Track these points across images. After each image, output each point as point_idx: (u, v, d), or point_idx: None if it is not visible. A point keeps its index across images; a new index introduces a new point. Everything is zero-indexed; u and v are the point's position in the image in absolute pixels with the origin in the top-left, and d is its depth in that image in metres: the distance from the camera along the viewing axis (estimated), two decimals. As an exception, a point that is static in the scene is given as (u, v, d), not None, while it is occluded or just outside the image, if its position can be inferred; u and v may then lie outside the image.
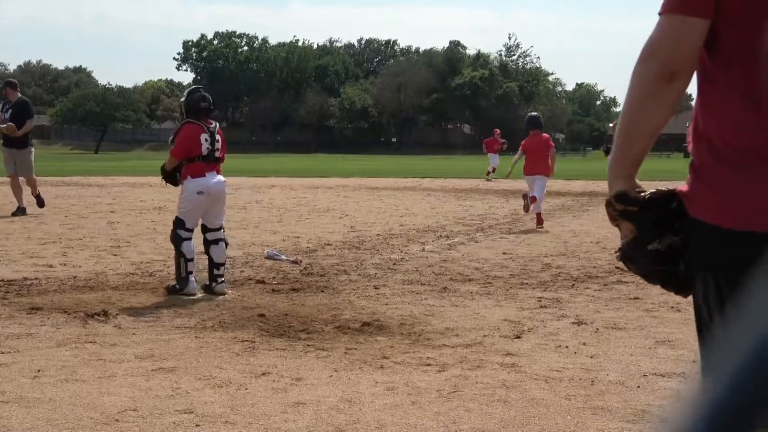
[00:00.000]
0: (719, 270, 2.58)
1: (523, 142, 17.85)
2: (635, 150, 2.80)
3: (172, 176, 9.75)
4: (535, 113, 19.71)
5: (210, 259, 9.50)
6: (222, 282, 9.44)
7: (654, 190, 2.77)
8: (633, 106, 2.75)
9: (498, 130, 39.46)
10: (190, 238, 9.46)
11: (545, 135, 17.95)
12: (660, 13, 2.71)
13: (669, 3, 2.68)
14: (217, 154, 9.67)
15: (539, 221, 16.76)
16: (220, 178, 9.66)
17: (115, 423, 5.10)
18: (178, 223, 9.49)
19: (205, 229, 9.66)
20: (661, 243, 2.73)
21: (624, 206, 2.76)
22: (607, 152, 27.18)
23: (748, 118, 2.58)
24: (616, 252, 2.90)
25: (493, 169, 36.69)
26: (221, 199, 9.74)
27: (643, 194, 2.76)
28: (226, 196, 9.87)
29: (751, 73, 2.58)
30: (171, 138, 9.83)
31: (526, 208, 17.36)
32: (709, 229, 2.60)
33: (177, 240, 9.44)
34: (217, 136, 9.69)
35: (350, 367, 6.38)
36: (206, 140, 9.53)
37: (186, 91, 10.07)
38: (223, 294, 9.27)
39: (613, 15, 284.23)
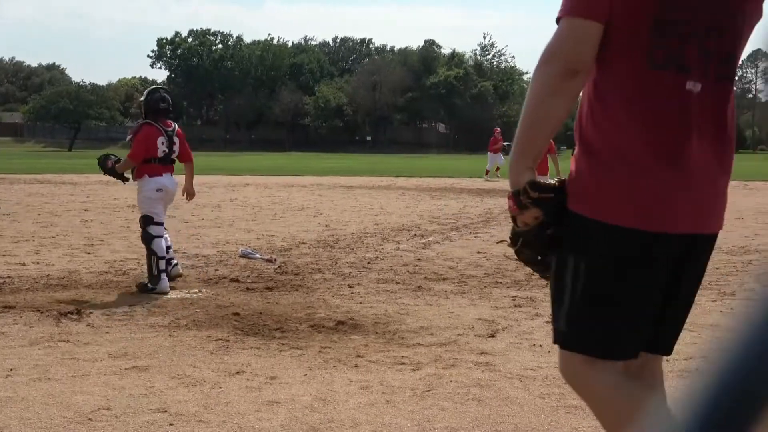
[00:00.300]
0: (588, 256, 2.97)
1: None
2: (539, 144, 3.05)
3: (118, 173, 9.89)
4: None
5: (155, 253, 9.52)
6: (176, 264, 9.53)
7: (558, 179, 3.08)
8: (538, 104, 2.98)
9: (498, 129, 38.09)
10: (161, 235, 9.51)
11: None
12: (559, 17, 2.96)
13: (567, 7, 2.93)
14: (173, 156, 9.80)
15: None
16: (175, 179, 9.83)
17: (88, 422, 5.08)
18: (147, 220, 9.52)
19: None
20: (557, 229, 3.00)
21: (538, 194, 2.97)
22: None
23: (624, 123, 2.94)
24: (508, 241, 3.13)
25: (497, 168, 35.67)
26: (173, 198, 9.97)
27: (551, 182, 3.05)
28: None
29: (631, 80, 2.95)
30: (129, 137, 9.86)
31: None
32: (583, 220, 2.95)
33: (148, 238, 9.46)
34: (175, 139, 9.81)
35: (324, 365, 6.37)
36: (162, 143, 9.67)
37: (146, 91, 10.18)
38: (180, 275, 9.38)
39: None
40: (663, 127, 2.95)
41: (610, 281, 2.99)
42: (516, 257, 3.17)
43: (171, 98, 10.06)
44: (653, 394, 3.18)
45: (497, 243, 3.43)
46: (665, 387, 3.32)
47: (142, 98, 10.02)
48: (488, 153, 36.63)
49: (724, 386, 0.82)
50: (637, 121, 2.94)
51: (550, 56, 2.95)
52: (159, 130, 9.67)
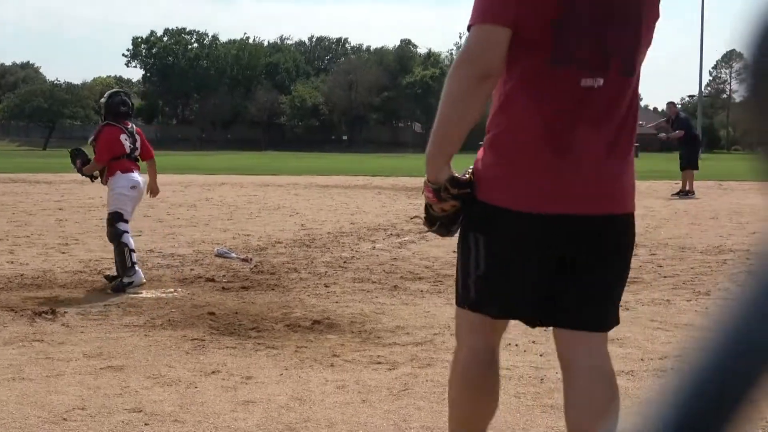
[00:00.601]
0: (488, 236, 3.42)
1: None
2: (454, 141, 3.38)
3: (86, 174, 10.03)
4: None
5: (126, 246, 9.51)
6: (139, 269, 9.57)
7: (468, 174, 3.45)
8: (453, 105, 3.29)
9: None
10: (129, 231, 9.54)
11: None
12: (470, 25, 3.26)
13: (477, 15, 3.23)
14: (137, 153, 9.88)
15: None
16: (142, 178, 9.92)
17: (63, 422, 5.06)
18: (116, 217, 9.55)
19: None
20: (467, 211, 3.46)
21: (458, 190, 3.38)
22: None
23: (524, 117, 3.30)
24: (423, 220, 3.67)
25: None
26: (141, 197, 10.02)
27: (466, 177, 3.43)
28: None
29: (533, 77, 3.27)
30: (91, 139, 9.89)
31: None
32: (485, 206, 3.38)
33: (117, 234, 9.47)
34: (137, 137, 9.92)
35: (300, 365, 6.37)
36: (126, 140, 9.77)
37: (107, 93, 10.36)
38: (143, 283, 9.35)
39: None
40: (559, 121, 3.27)
41: (507, 257, 3.41)
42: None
43: (131, 101, 10.21)
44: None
45: (411, 219, 3.70)
46: (613, 368, 3.57)
47: (103, 100, 10.10)
48: None
49: (698, 386, 0.82)
50: (536, 115, 3.28)
51: (463, 60, 3.25)
52: (120, 128, 9.80)
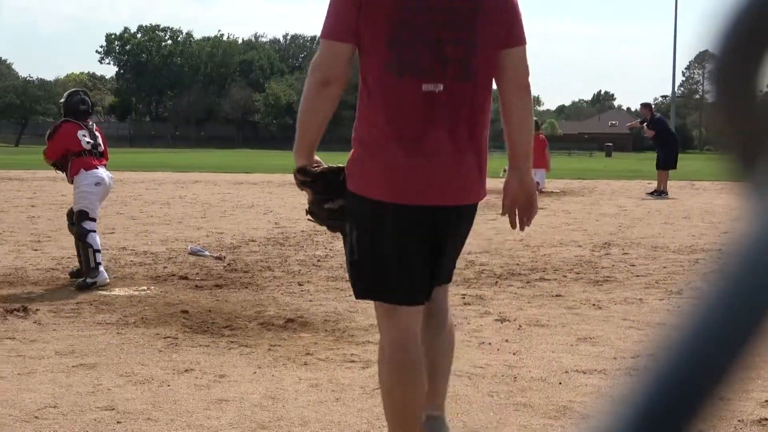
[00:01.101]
0: (358, 224, 3.88)
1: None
2: (310, 136, 3.96)
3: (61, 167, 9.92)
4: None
5: (90, 246, 9.46)
6: (103, 270, 9.49)
7: (325, 166, 3.97)
8: (305, 105, 3.89)
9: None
10: (95, 230, 9.51)
11: (541, 135, 23.52)
12: (320, 38, 3.88)
13: (324, 31, 3.82)
14: (100, 149, 9.86)
15: None
16: (109, 174, 9.88)
17: (34, 420, 5.04)
18: (82, 215, 9.51)
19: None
20: (334, 203, 3.93)
21: (303, 177, 3.95)
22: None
23: (376, 119, 3.82)
24: (306, 210, 4.13)
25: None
26: (108, 193, 10.02)
27: (315, 168, 3.94)
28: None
29: (378, 84, 3.80)
30: (48, 133, 9.85)
31: None
32: (353, 196, 3.87)
33: (83, 233, 9.43)
34: (97, 134, 9.91)
35: (274, 363, 6.36)
36: (84, 136, 9.73)
37: (66, 93, 10.34)
38: (107, 284, 9.29)
39: (536, 15, 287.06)
40: (404, 121, 3.79)
41: (378, 243, 3.88)
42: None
43: (90, 100, 10.19)
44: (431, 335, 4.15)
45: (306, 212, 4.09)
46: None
47: (62, 100, 10.10)
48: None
49: (665, 383, 0.83)
50: (385, 116, 3.80)
51: (312, 69, 3.86)
52: (77, 124, 9.78)
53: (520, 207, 4.20)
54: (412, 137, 3.78)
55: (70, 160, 9.63)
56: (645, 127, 25.79)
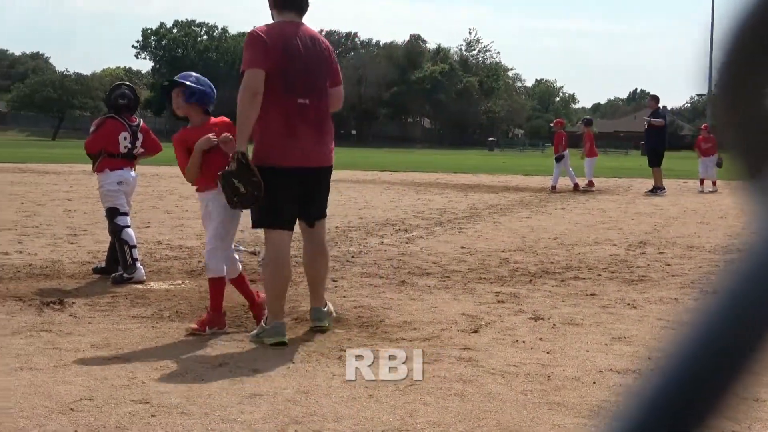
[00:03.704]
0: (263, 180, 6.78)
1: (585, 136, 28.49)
2: (246, 133, 6.83)
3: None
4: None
5: (126, 242, 9.48)
6: (140, 266, 9.49)
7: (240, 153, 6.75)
8: (242, 111, 6.80)
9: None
10: (128, 225, 9.56)
11: (591, 130, 28.69)
12: (243, 70, 6.88)
13: (247, 63, 6.85)
14: (135, 152, 9.90)
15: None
16: (134, 173, 9.94)
17: (70, 412, 5.07)
18: (113, 212, 9.55)
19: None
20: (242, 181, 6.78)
21: (244, 159, 6.74)
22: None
23: (273, 119, 6.86)
24: (221, 177, 6.86)
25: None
26: (134, 190, 10.06)
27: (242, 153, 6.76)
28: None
29: (276, 99, 6.80)
30: (93, 129, 9.87)
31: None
32: (258, 167, 6.78)
33: (117, 230, 9.48)
34: (140, 134, 9.93)
35: (307, 359, 6.37)
36: (125, 138, 9.77)
37: (111, 86, 10.28)
38: (143, 280, 9.29)
39: (573, 13, 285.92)
40: (288, 120, 6.88)
41: (272, 194, 6.82)
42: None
43: (134, 94, 10.13)
44: (312, 251, 7.40)
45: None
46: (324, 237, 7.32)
47: (106, 93, 10.13)
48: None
49: (674, 383, 0.83)
50: (278, 118, 6.87)
51: (243, 87, 6.81)
52: (123, 124, 9.79)
53: None
54: (292, 130, 6.94)
55: (102, 156, 9.69)
56: (650, 120, 25.72)
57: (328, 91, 7.11)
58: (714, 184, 27.02)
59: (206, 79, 7.75)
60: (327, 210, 7.50)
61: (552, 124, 29.20)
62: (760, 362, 0.78)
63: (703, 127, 29.69)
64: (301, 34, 7.03)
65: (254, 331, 7.01)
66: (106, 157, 9.66)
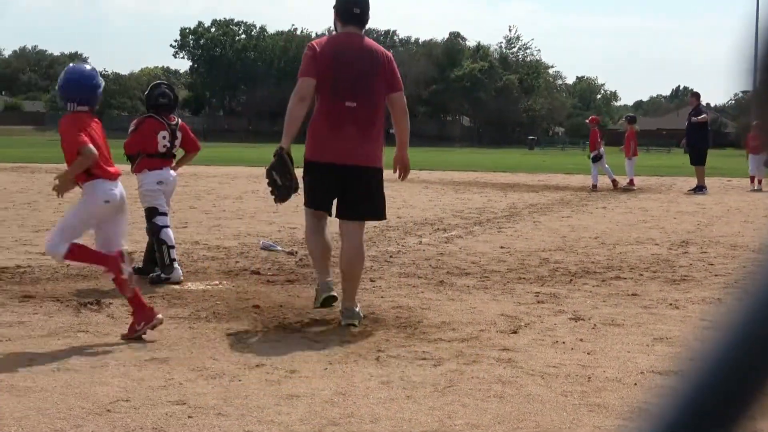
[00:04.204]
0: (308, 174, 7.75)
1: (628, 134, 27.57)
2: (290, 131, 7.52)
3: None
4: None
5: (164, 243, 9.46)
6: (177, 266, 9.48)
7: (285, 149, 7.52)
8: (290, 111, 7.51)
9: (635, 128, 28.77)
10: (168, 225, 9.61)
11: (634, 128, 27.99)
12: (299, 77, 7.60)
13: (301, 72, 7.59)
14: (174, 150, 9.94)
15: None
16: (174, 173, 9.96)
17: (107, 413, 5.05)
18: (152, 211, 9.58)
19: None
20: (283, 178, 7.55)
21: (284, 154, 7.45)
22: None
23: (320, 120, 7.63)
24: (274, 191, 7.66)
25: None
26: (173, 190, 10.08)
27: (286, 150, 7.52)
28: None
29: (325, 102, 7.61)
30: (132, 129, 9.85)
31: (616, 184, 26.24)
32: (305, 160, 7.72)
33: (155, 230, 9.50)
34: (178, 133, 9.94)
35: (345, 360, 6.33)
36: (164, 137, 9.79)
37: (150, 85, 10.24)
38: (180, 281, 9.27)
39: (615, 10, 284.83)
40: (333, 121, 7.53)
41: (311, 181, 7.67)
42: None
43: (174, 93, 10.14)
44: (349, 251, 7.76)
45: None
46: (362, 239, 7.84)
47: (146, 92, 10.12)
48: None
49: (701, 386, 0.80)
50: (323, 119, 7.59)
51: (295, 92, 7.54)
52: (162, 123, 9.81)
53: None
54: (338, 129, 7.59)
55: (140, 157, 9.70)
56: (693, 117, 25.47)
57: (382, 97, 7.72)
58: (759, 182, 26.57)
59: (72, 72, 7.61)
60: (381, 213, 8.10)
61: (588, 121, 28.79)
62: None
63: (754, 123, 29.38)
64: (356, 45, 7.73)
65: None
66: (145, 157, 9.68)
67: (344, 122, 7.52)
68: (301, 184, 7.61)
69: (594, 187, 25.70)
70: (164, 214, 9.63)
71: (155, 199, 9.62)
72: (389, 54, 8.02)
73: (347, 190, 7.60)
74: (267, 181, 7.60)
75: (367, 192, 7.70)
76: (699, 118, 25.17)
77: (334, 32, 8.06)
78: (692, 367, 0.80)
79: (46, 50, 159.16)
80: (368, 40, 7.89)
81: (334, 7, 7.90)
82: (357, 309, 7.63)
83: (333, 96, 7.53)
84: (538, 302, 8.53)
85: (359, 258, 7.76)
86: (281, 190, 7.51)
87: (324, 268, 7.84)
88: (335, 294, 7.75)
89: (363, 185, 7.65)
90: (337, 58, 7.58)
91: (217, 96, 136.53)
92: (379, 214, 8.01)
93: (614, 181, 26.24)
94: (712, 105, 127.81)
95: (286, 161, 7.43)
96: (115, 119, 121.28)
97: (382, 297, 8.69)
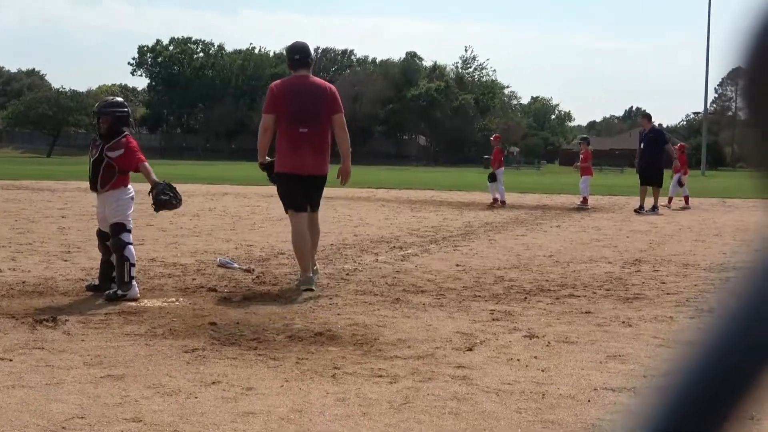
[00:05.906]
0: (281, 184, 10.59)
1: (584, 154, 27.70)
2: (263, 151, 10.69)
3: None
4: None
5: (127, 260, 9.43)
6: (135, 284, 9.51)
7: (269, 160, 10.79)
8: (259, 140, 10.54)
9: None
10: (132, 243, 9.54)
11: (588, 149, 28.23)
12: (263, 113, 10.54)
13: (264, 109, 10.53)
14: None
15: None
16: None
17: (62, 430, 5.04)
18: (121, 227, 9.52)
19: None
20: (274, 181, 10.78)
21: (265, 167, 10.88)
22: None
23: (284, 143, 10.44)
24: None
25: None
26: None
27: (267, 160, 10.78)
28: None
29: (285, 129, 10.39)
30: (120, 152, 9.69)
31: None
32: (278, 172, 10.58)
33: (122, 245, 9.45)
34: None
35: (301, 377, 6.34)
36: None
37: (112, 101, 10.15)
38: (137, 298, 9.26)
39: (568, 30, 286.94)
40: (293, 143, 10.29)
41: (285, 190, 10.47)
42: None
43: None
44: (309, 228, 10.44)
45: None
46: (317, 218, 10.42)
47: (127, 109, 10.05)
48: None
49: (684, 391, 0.83)
50: (286, 141, 10.35)
51: (261, 124, 10.47)
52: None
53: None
54: (296, 149, 10.17)
55: (117, 175, 9.65)
56: (670, 146, 25.90)
57: (328, 122, 10.42)
58: (670, 200, 27.74)
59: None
60: (321, 223, 10.96)
61: (492, 139, 28.98)
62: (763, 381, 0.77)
63: (677, 146, 29.85)
64: (305, 84, 10.44)
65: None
66: (123, 175, 9.70)
67: (301, 143, 10.25)
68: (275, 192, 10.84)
69: (503, 203, 27.06)
70: (130, 231, 9.62)
71: (127, 215, 9.62)
72: (332, 87, 10.76)
73: (310, 192, 10.46)
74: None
75: (320, 191, 10.66)
76: (676, 146, 26.01)
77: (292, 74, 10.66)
78: (662, 385, 0.84)
79: (2, 67, 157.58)
80: (314, 78, 10.65)
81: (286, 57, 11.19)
82: (315, 267, 10.59)
83: (289, 124, 10.26)
84: (493, 320, 8.59)
85: (317, 231, 10.73)
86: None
87: (308, 264, 10.17)
88: (314, 288, 10.05)
89: (319, 187, 10.57)
90: (290, 95, 10.30)
91: (175, 114, 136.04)
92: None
93: (495, 200, 27.31)
94: (664, 125, 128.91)
95: (267, 169, 10.83)
96: (72, 136, 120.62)
97: (338, 314, 8.71)
